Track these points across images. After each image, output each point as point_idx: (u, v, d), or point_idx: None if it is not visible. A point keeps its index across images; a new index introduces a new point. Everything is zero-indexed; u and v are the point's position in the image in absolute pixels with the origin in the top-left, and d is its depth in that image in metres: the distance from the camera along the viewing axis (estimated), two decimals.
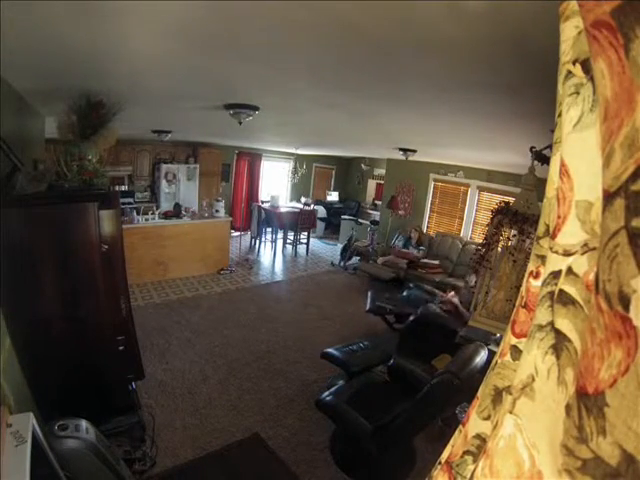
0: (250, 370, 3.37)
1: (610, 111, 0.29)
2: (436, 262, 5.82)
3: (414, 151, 4.85)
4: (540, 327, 0.39)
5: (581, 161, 0.37)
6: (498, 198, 5.08)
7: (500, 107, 1.89)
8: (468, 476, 0.53)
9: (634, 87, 0.26)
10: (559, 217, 0.39)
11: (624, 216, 0.26)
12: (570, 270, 0.36)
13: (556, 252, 0.39)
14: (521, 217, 2.32)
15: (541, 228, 0.49)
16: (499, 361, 0.55)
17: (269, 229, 7.68)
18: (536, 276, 0.49)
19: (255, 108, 2.57)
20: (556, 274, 0.38)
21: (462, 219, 6.41)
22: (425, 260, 5.89)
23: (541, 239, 0.49)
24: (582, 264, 0.35)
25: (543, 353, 0.37)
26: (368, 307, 4.07)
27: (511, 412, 0.41)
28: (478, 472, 0.44)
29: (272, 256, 7.38)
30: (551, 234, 0.41)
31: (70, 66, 1.68)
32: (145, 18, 1.11)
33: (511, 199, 2.71)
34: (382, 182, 8.39)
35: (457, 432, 0.62)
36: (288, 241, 7.79)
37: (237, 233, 7.97)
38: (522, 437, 0.38)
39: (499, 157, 4.28)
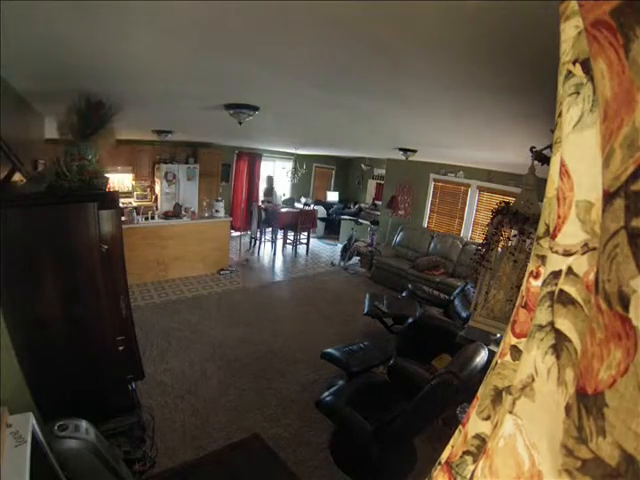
0: (250, 370, 3.37)
1: (610, 111, 0.29)
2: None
3: (414, 151, 4.84)
4: (540, 327, 0.39)
5: (581, 161, 0.37)
6: (498, 198, 5.08)
7: (500, 107, 1.89)
8: (468, 476, 0.53)
9: (634, 87, 0.26)
10: (559, 217, 0.39)
11: (624, 216, 0.26)
12: (570, 270, 0.36)
13: (556, 252, 0.39)
14: (521, 217, 2.32)
15: (541, 228, 0.49)
16: (499, 361, 0.55)
17: (269, 229, 7.69)
18: (536, 276, 0.49)
19: (255, 108, 2.56)
20: (556, 274, 0.38)
21: (462, 219, 6.41)
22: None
23: (541, 239, 0.49)
24: (582, 264, 0.35)
25: (543, 353, 0.37)
26: (366, 310, 4.07)
27: (511, 412, 0.41)
28: (478, 472, 0.44)
29: (272, 256, 7.38)
30: (551, 234, 0.41)
31: (70, 66, 1.68)
32: (145, 18, 1.11)
33: (511, 199, 2.70)
34: (382, 182, 8.39)
35: (457, 432, 0.62)
36: (288, 241, 7.79)
37: (237, 233, 7.97)
38: (522, 437, 0.38)
39: (499, 157, 4.28)
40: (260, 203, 7.91)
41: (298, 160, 9.11)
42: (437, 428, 2.61)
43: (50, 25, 1.18)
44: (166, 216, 5.62)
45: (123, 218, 4.46)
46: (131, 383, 2.43)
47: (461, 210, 6.43)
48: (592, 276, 0.33)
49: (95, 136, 2.20)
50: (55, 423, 1.54)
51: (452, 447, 0.61)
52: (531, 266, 0.50)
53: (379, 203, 8.46)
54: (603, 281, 0.28)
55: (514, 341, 0.52)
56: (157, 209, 6.41)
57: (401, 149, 4.85)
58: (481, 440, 0.54)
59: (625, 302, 0.26)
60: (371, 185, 9.63)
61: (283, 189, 9.40)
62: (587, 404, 0.28)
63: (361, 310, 4.26)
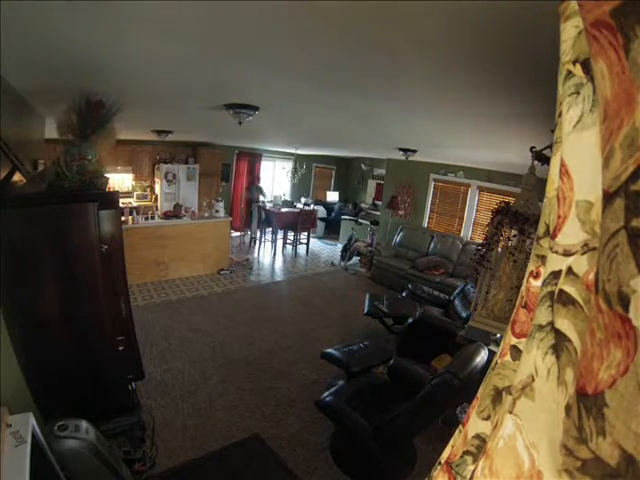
0: (250, 370, 3.37)
1: (610, 111, 0.29)
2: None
3: (414, 151, 4.85)
4: (540, 327, 0.39)
5: (581, 161, 0.37)
6: (498, 198, 5.08)
7: (500, 107, 1.89)
8: (468, 476, 0.53)
9: (634, 87, 0.26)
10: (559, 217, 0.39)
11: (624, 216, 0.26)
12: (570, 270, 0.36)
13: (556, 252, 0.39)
14: (521, 217, 2.32)
15: (541, 228, 0.49)
16: (499, 361, 0.55)
17: (269, 229, 7.69)
18: (536, 276, 0.49)
19: (255, 108, 2.57)
20: (556, 274, 0.38)
21: (462, 219, 6.41)
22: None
23: (541, 239, 0.49)
24: (582, 264, 0.35)
25: (543, 353, 0.37)
26: (366, 310, 4.08)
27: (511, 412, 0.41)
28: (478, 472, 0.44)
29: (272, 256, 7.38)
30: (551, 234, 0.41)
31: (70, 66, 1.68)
32: (146, 18, 1.11)
33: (511, 199, 2.70)
34: (382, 182, 8.39)
35: (457, 432, 0.62)
36: (288, 241, 7.79)
37: (237, 233, 7.97)
38: (522, 437, 0.38)
39: (499, 157, 4.28)
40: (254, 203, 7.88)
41: (298, 160, 9.11)
42: (437, 428, 2.61)
43: (51, 24, 1.18)
44: (166, 216, 5.62)
45: (123, 218, 4.46)
46: (131, 383, 2.43)
47: (461, 210, 6.43)
48: (592, 276, 0.33)
49: (95, 136, 2.20)
50: (55, 423, 1.54)
51: (452, 447, 0.61)
52: (531, 266, 0.50)
53: (379, 203, 8.46)
54: (603, 281, 0.28)
55: (514, 341, 0.52)
56: (157, 209, 6.40)
57: (401, 149, 4.85)
58: (481, 440, 0.54)
59: (625, 302, 0.26)
60: (371, 185, 9.63)
61: (282, 189, 9.41)
62: (587, 404, 0.28)
63: (361, 310, 4.26)
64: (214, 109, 2.72)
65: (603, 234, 0.29)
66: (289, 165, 9.34)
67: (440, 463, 0.63)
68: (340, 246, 7.63)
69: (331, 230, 9.25)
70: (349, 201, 10.04)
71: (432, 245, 6.23)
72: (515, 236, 2.44)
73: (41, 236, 1.78)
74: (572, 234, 0.37)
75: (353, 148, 7.10)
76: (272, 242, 7.56)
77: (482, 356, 2.13)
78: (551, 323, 0.37)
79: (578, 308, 0.34)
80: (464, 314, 3.79)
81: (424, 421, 2.08)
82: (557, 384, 0.35)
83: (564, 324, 0.35)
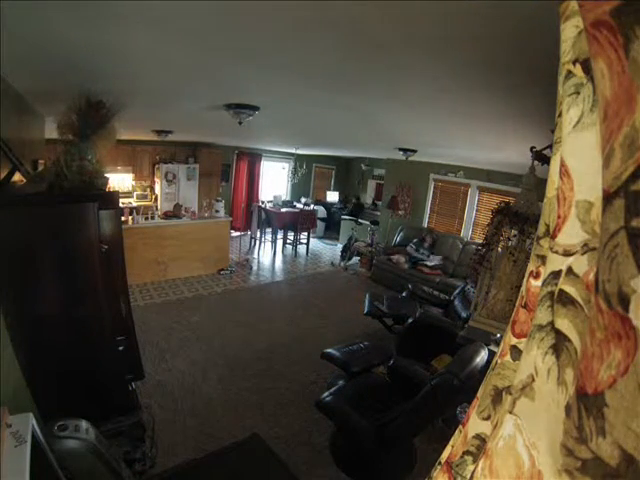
0: (250, 370, 3.37)
1: (610, 111, 0.29)
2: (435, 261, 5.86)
3: (414, 151, 4.84)
4: (540, 327, 0.39)
5: (581, 161, 0.37)
6: (498, 198, 5.07)
7: (500, 107, 1.89)
8: (468, 476, 0.53)
9: (634, 87, 0.26)
10: (559, 217, 0.39)
11: (624, 216, 0.26)
12: (570, 270, 0.36)
13: (556, 252, 0.39)
14: (521, 217, 2.32)
15: (541, 228, 0.49)
16: (499, 361, 0.55)
17: (269, 229, 7.69)
18: (536, 276, 0.49)
19: (255, 108, 2.57)
20: (556, 274, 0.38)
21: (462, 219, 6.41)
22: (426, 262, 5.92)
23: (541, 239, 0.49)
24: (582, 264, 0.35)
25: (543, 353, 0.37)
26: (366, 310, 4.07)
27: (511, 412, 0.41)
28: (478, 472, 0.44)
29: (272, 256, 7.38)
30: (551, 234, 0.41)
31: (70, 66, 1.68)
32: (146, 19, 1.11)
33: (511, 199, 2.71)
34: (382, 182, 8.39)
35: (457, 432, 0.62)
36: (288, 241, 7.79)
37: (237, 233, 7.97)
38: (522, 437, 0.38)
39: (499, 157, 4.28)
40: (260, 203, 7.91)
41: (298, 160, 9.11)
42: (437, 428, 2.61)
43: (51, 24, 1.18)
44: (166, 216, 5.62)
45: (123, 218, 4.46)
46: (131, 383, 2.43)
47: (461, 210, 6.43)
48: (592, 276, 0.33)
49: (95, 136, 2.20)
50: (55, 423, 1.54)
51: (452, 447, 0.61)
52: (531, 266, 0.50)
53: (379, 203, 8.45)
54: (603, 281, 0.28)
55: (514, 341, 0.52)
56: (157, 209, 6.40)
57: (401, 149, 4.85)
58: (481, 440, 0.54)
59: (625, 302, 0.26)
60: (371, 185, 9.63)
61: (282, 189, 9.41)
62: (587, 404, 0.28)
63: (361, 310, 4.25)
64: (214, 109, 2.72)
65: (603, 234, 0.29)
66: (289, 165, 9.34)
67: (440, 463, 0.63)
68: (340, 246, 7.63)
69: (331, 230, 9.25)
70: (349, 202, 10.04)
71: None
72: (515, 236, 2.44)
73: (41, 236, 1.78)
74: (572, 234, 0.37)
75: (353, 148, 7.10)
76: (272, 242, 7.56)
77: (482, 356, 2.13)
78: (551, 323, 0.37)
79: (578, 308, 0.34)
80: (464, 314, 3.79)
81: (424, 421, 2.08)
82: (557, 384, 0.35)
83: (564, 324, 0.35)
